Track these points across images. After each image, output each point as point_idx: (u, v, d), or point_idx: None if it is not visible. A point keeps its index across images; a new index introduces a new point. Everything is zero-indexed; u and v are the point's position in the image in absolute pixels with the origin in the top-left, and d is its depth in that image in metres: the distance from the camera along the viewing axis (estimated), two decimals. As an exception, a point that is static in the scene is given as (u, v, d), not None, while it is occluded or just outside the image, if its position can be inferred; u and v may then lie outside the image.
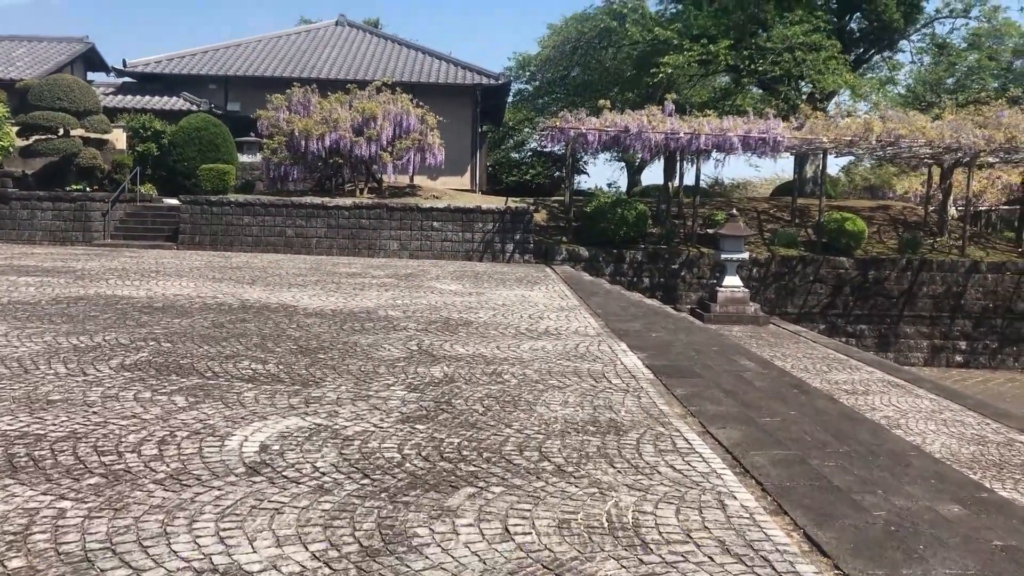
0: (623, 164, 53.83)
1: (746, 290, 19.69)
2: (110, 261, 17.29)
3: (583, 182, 53.27)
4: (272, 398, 6.49)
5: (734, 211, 20.01)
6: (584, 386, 7.41)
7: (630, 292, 18.28)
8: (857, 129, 20.90)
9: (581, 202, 24.20)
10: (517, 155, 51.74)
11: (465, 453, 5.31)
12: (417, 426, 5.89)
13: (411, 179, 27.11)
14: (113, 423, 5.65)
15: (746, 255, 19.74)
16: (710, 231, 20.47)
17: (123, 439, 5.30)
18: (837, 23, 28.17)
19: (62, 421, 5.64)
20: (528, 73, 46.20)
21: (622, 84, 32.07)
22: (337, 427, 5.78)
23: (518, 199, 25.96)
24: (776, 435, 6.18)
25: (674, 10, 32.18)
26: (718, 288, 19.62)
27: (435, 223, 22.05)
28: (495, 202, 24.17)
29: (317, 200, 22.16)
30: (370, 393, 6.80)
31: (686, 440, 5.85)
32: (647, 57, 27.96)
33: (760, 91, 34.59)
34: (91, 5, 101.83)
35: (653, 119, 20.74)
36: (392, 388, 7.01)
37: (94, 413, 5.86)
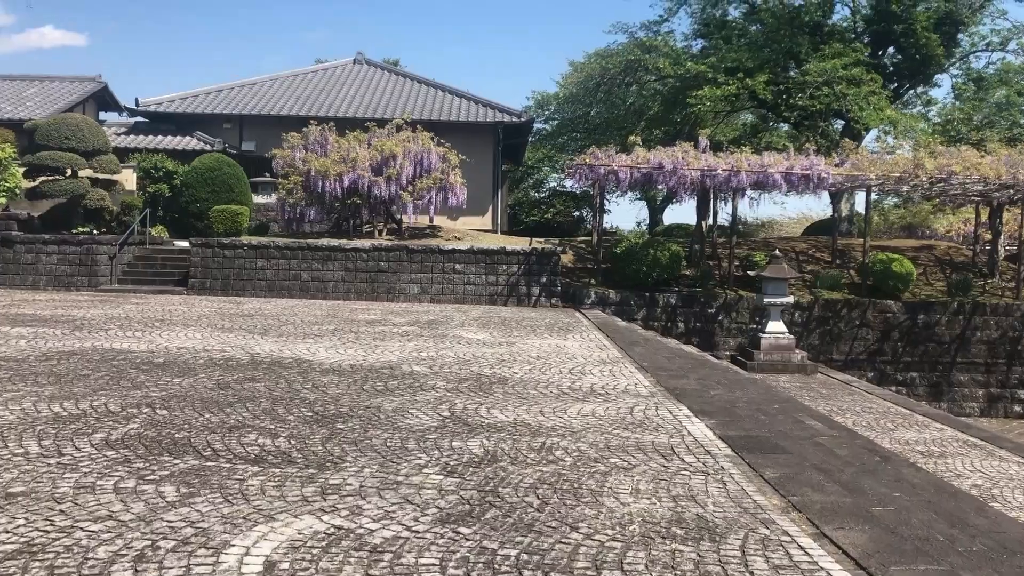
0: (643, 203, 52.90)
1: (791, 336, 18.48)
2: (113, 308, 16.26)
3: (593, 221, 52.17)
4: (282, 487, 5.33)
5: (777, 252, 18.84)
6: (654, 466, 6.20)
7: (667, 339, 17.06)
8: (906, 165, 19.75)
9: (608, 242, 23.08)
10: (536, 194, 50.92)
11: (527, 574, 4.11)
12: (460, 529, 4.70)
13: (431, 219, 26.11)
14: (82, 528, 4.49)
15: (791, 299, 18.54)
16: (751, 273, 19.27)
17: (90, 555, 4.14)
18: (870, 57, 27.17)
19: (18, 525, 4.50)
20: (547, 112, 45.50)
21: (648, 121, 31.13)
22: (362, 531, 4.60)
23: (543, 240, 24.90)
24: (900, 532, 4.97)
25: (699, 46, 31.34)
26: (761, 334, 18.42)
27: (457, 265, 20.98)
28: (518, 243, 23.11)
29: (334, 242, 21.15)
30: (399, 478, 5.62)
31: (802, 548, 4.62)
32: (677, 92, 27.00)
33: (787, 128, 33.56)
34: (115, 48, 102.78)
35: (686, 155, 19.68)
36: (425, 471, 5.82)
37: (61, 513, 4.71)
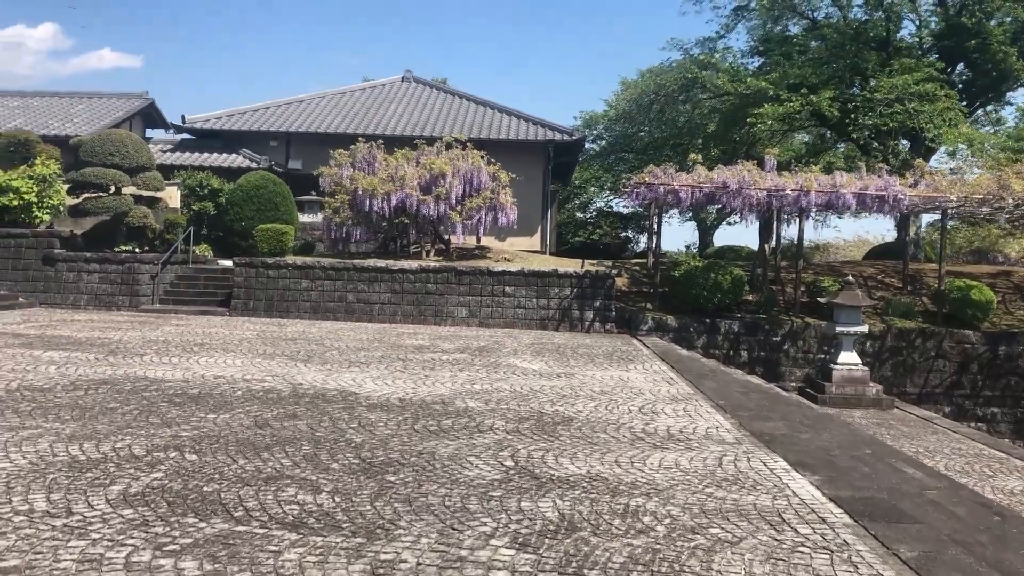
0: (691, 224, 51.71)
1: (865, 368, 17.28)
2: (152, 331, 15.63)
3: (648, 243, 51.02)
4: (324, 564, 4.43)
5: (849, 277, 17.67)
6: (764, 539, 5.19)
7: (733, 370, 15.95)
8: (989, 186, 18.46)
9: (663, 265, 22.04)
10: (582, 215, 49.99)
11: None
12: (545, 632, 3.75)
13: (478, 240, 25.31)
14: (79, 622, 3.63)
15: (865, 328, 17.33)
16: (821, 300, 18.10)
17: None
18: (940, 74, 25.85)
19: (2, 618, 3.65)
20: (595, 132, 44.61)
21: (704, 139, 30.04)
22: (422, 634, 3.68)
23: (594, 262, 23.94)
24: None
25: (755, 63, 30.22)
26: (833, 366, 17.24)
27: (507, 288, 20.10)
28: (570, 265, 22.18)
29: (381, 263, 20.42)
30: (463, 552, 4.70)
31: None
32: (736, 110, 25.92)
33: (844, 148, 32.21)
34: (168, 70, 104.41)
35: (751, 174, 18.60)
36: (493, 543, 4.89)
37: (57, 598, 3.87)
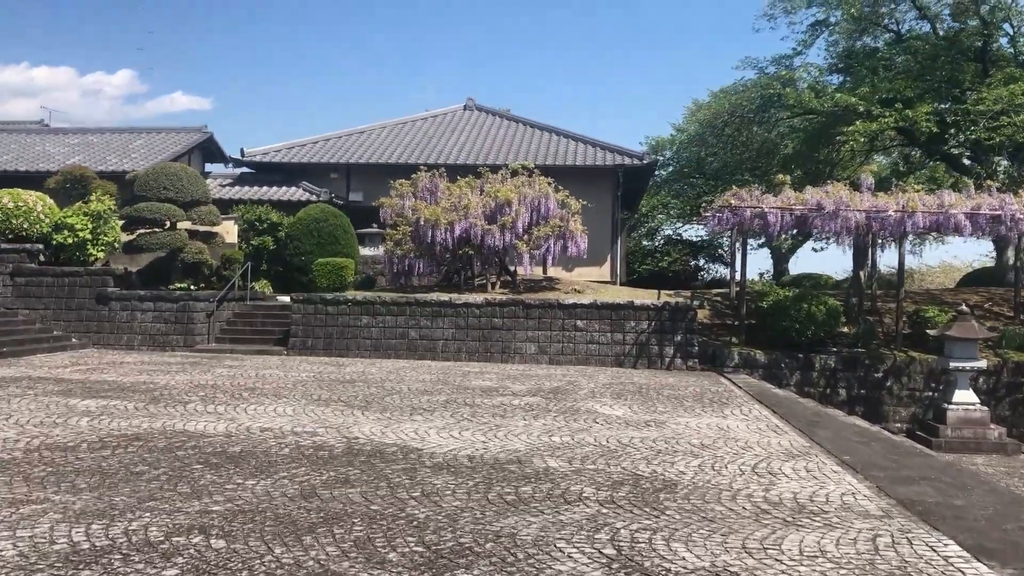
0: (761, 251, 49.71)
1: (985, 409, 15.40)
2: (203, 374, 14.62)
3: (718, 272, 49.35)
4: None
5: (963, 307, 15.83)
6: None
7: (838, 412, 14.22)
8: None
9: (749, 295, 20.38)
10: (648, 243, 48.39)
11: None
12: None
13: (544, 270, 24.03)
14: None
15: (983, 363, 15.52)
16: (931, 332, 16.32)
17: None
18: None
19: None
20: (663, 157, 43.13)
21: (784, 161, 28.32)
22: None
23: (671, 292, 22.41)
24: None
25: (835, 81, 28.47)
26: (947, 406, 15.41)
27: (579, 322, 18.71)
28: (644, 296, 20.70)
29: (444, 297, 19.24)
30: None
31: None
32: (822, 128, 24.22)
33: (930, 168, 30.13)
34: (237, 110, 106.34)
35: (848, 195, 16.95)
36: None
37: None
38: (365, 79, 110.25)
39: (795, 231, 26.26)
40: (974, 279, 28.67)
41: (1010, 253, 26.58)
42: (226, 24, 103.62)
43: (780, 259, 47.55)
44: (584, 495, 6.86)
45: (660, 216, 48.76)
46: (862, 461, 8.74)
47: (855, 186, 17.99)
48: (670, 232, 49.66)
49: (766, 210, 16.93)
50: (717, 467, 8.14)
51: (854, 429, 11.38)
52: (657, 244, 48.05)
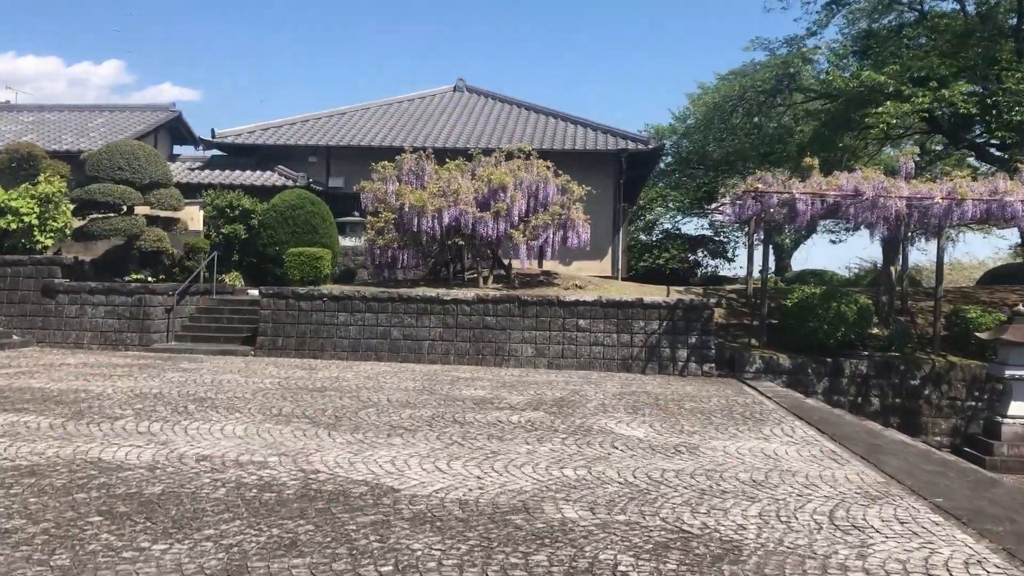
0: (757, 246, 47.83)
1: (1047, 423, 13.54)
2: (150, 379, 12.61)
3: (719, 268, 47.58)
4: None
5: (1021, 307, 13.97)
6: None
7: (886, 428, 12.33)
8: None
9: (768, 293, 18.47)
10: (646, 237, 46.54)
11: None
12: None
13: (540, 264, 22.07)
14: None
15: (1045, 371, 13.63)
16: (982, 335, 14.50)
17: None
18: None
19: None
20: (666, 145, 41.15)
21: (800, 148, 26.37)
22: None
23: (682, 289, 20.52)
24: None
25: (852, 63, 26.53)
26: (1002, 419, 13.64)
27: (581, 321, 16.79)
28: (653, 292, 18.79)
29: (431, 292, 17.28)
30: None
31: None
32: (846, 110, 22.31)
33: (959, 155, 28.28)
34: (227, 101, 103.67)
35: (889, 181, 15.08)
36: None
37: None
38: (352, 62, 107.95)
39: (810, 222, 24.41)
40: (997, 277, 26.86)
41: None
42: (215, 13, 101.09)
43: (782, 255, 45.76)
44: (620, 568, 4.93)
45: (659, 209, 46.95)
46: (961, 505, 6.84)
47: (892, 172, 16.14)
48: (669, 226, 47.90)
49: (797, 196, 15.02)
50: (785, 517, 6.22)
51: (921, 454, 9.48)
52: (655, 239, 46.25)
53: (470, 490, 6.67)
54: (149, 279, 18.14)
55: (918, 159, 28.56)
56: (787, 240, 43.55)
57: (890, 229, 15.48)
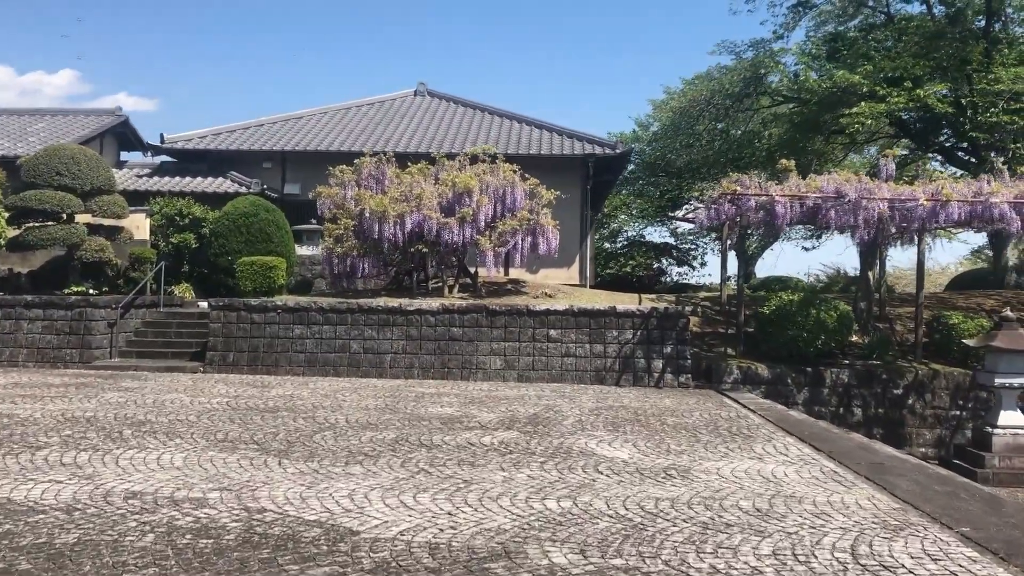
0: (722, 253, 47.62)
1: (1039, 433, 12.99)
2: (86, 400, 11.54)
3: (685, 275, 47.22)
4: None
5: (1008, 312, 13.45)
6: None
7: (874, 441, 11.68)
8: None
9: (743, 300, 17.84)
10: (610, 245, 46.00)
11: None
12: None
13: (506, 271, 21.27)
14: None
15: (1035, 379, 13.09)
16: (969, 342, 13.93)
17: None
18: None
19: None
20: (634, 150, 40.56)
21: (769, 152, 25.87)
22: None
23: (654, 296, 19.82)
24: None
25: (818, 67, 26.15)
26: (992, 429, 13.08)
27: (551, 331, 15.99)
28: (624, 300, 18.05)
29: (393, 302, 16.36)
30: None
31: None
32: (817, 114, 21.81)
33: (924, 158, 27.98)
34: (184, 112, 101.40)
35: (872, 182, 14.51)
36: None
37: None
38: (311, 67, 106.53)
39: (788, 225, 23.98)
40: (967, 283, 26.62)
41: (1010, 253, 24.62)
42: (171, 21, 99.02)
43: (747, 261, 45.46)
44: (626, 633, 4.09)
45: (623, 217, 46.44)
46: (991, 536, 6.11)
47: (871, 174, 15.63)
48: (633, 234, 47.44)
49: (776, 198, 14.38)
50: (802, 555, 5.43)
51: (930, 474, 8.78)
52: (619, 246, 45.74)
53: (441, 530, 5.80)
54: (91, 291, 16.99)
55: (906, 154, 28.18)
56: (752, 246, 43.24)
57: (871, 232, 14.90)
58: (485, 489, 7.00)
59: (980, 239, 36.28)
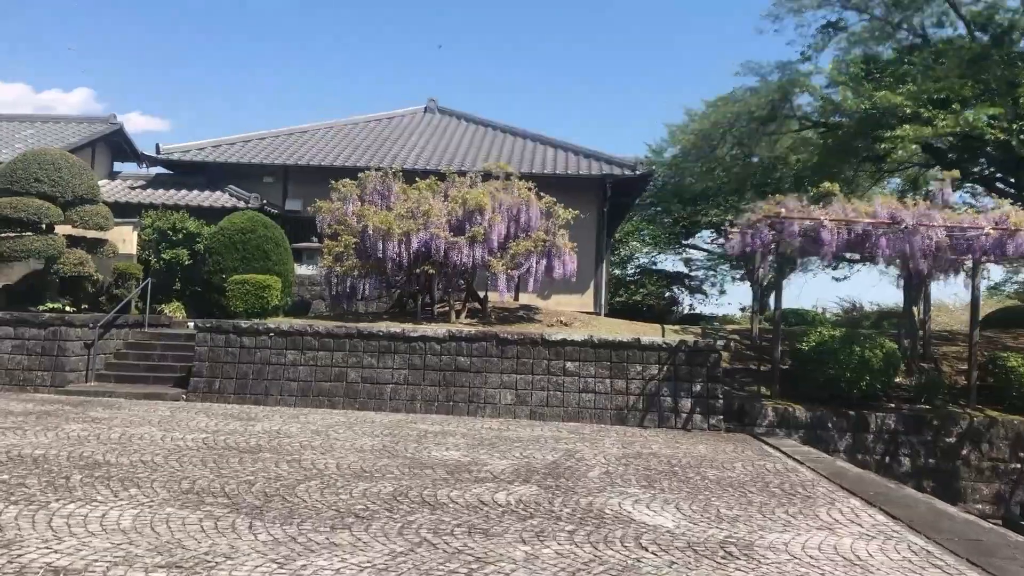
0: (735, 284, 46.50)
1: (1122, 494, 11.49)
2: (43, 433, 10.12)
3: (699, 304, 45.87)
4: None
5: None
6: None
7: (955, 509, 10.18)
8: None
9: (775, 334, 16.41)
10: (619, 272, 44.59)
11: None
12: None
13: (516, 297, 19.88)
14: None
15: (1117, 433, 11.62)
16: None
17: None
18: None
19: None
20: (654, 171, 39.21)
21: (797, 178, 24.49)
22: None
23: (678, 327, 18.40)
24: None
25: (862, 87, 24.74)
26: (1069, 489, 11.53)
27: (568, 363, 14.55)
28: (645, 331, 16.63)
29: (396, 327, 14.95)
30: None
31: None
32: (852, 137, 20.47)
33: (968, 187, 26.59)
34: (195, 132, 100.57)
35: (928, 207, 13.15)
36: None
37: None
38: (319, 82, 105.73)
39: (834, 253, 22.65)
40: (1003, 320, 25.07)
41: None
42: (184, 40, 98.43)
43: (761, 293, 43.98)
44: None
45: (634, 243, 45.06)
46: None
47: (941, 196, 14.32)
48: (645, 261, 46.11)
49: (825, 222, 13.00)
50: None
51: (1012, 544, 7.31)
52: (631, 274, 44.39)
53: (449, 642, 4.37)
54: (68, 308, 15.62)
55: (913, 193, 26.81)
56: (769, 276, 41.84)
57: (928, 263, 13.50)
58: (504, 574, 5.56)
59: (998, 274, 34.77)
